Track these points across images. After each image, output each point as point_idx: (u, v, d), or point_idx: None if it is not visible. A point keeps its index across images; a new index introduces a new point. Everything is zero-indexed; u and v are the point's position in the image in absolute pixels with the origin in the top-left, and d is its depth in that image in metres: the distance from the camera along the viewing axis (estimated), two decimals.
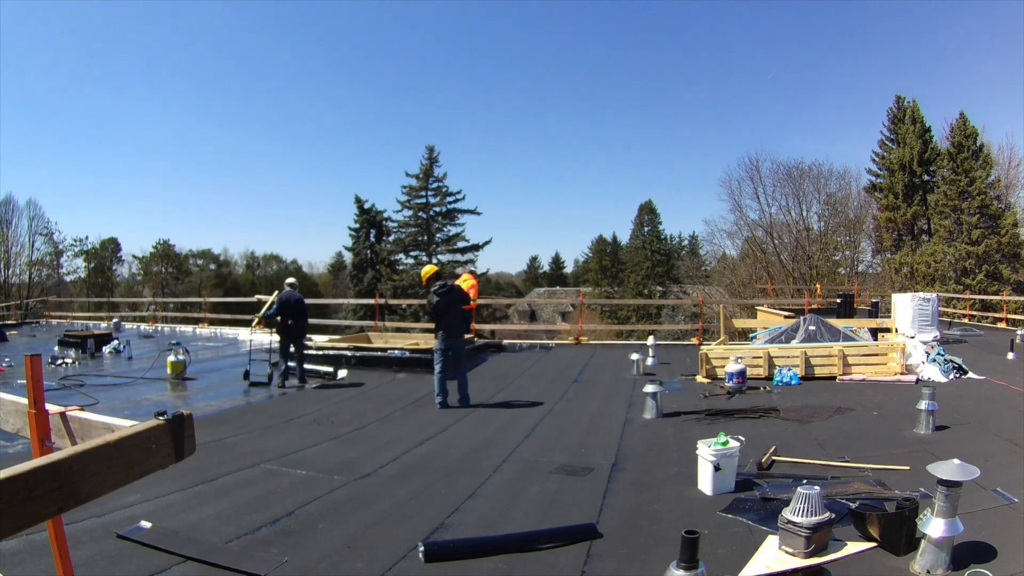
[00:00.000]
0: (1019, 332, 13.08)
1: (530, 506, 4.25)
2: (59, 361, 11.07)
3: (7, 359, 11.04)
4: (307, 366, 9.56)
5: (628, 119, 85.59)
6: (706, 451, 4.32)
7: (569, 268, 68.67)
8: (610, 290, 52.39)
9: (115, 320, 19.94)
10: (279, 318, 9.10)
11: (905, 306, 12.34)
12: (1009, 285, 27.69)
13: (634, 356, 9.99)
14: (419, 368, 9.79)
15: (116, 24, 71.59)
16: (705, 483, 4.35)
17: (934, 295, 12.98)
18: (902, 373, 8.62)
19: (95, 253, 47.89)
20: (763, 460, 4.94)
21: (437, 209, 45.34)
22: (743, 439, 4.65)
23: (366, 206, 44.22)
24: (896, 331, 11.84)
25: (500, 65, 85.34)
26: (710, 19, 75.90)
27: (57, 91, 70.51)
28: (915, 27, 63.71)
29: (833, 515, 3.32)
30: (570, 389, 8.79)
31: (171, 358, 9.70)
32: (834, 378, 8.67)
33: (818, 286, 28.16)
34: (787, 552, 3.24)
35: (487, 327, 20.31)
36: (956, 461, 3.15)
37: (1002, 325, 17.62)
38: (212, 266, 55.86)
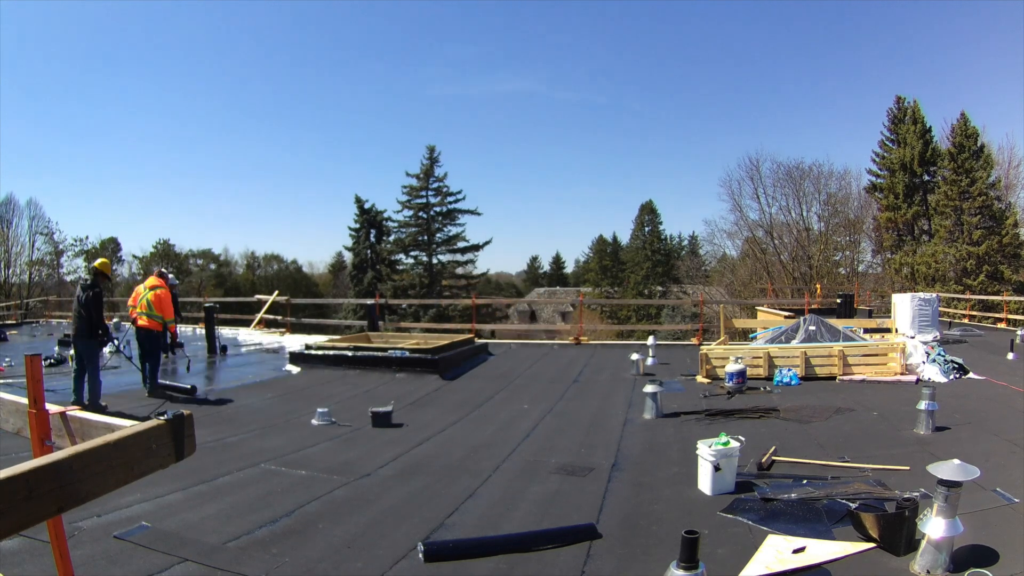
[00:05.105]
0: (1019, 332, 13.08)
1: (530, 506, 4.25)
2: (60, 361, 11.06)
3: (7, 359, 11.04)
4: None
5: (628, 119, 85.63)
6: (706, 451, 4.32)
7: (569, 268, 68.72)
8: (610, 290, 52.37)
9: (115, 320, 19.88)
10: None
11: (905, 306, 12.35)
12: (1010, 285, 27.67)
13: (634, 356, 9.99)
14: (419, 368, 9.79)
15: (116, 24, 71.65)
16: (705, 483, 4.35)
17: (934, 295, 13.00)
18: (902, 373, 8.62)
19: (95, 253, 47.88)
20: (763, 460, 4.94)
21: (437, 209, 45.35)
22: (743, 439, 4.65)
23: (366, 206, 44.28)
24: (896, 331, 11.85)
25: (500, 65, 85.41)
26: (710, 19, 75.92)
27: (57, 91, 70.55)
28: (915, 27, 63.74)
29: None
30: (570, 389, 8.79)
31: None
32: (834, 378, 8.67)
33: (818, 286, 28.16)
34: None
35: (487, 327, 20.32)
36: (956, 461, 3.15)
37: (1002, 325, 17.61)
38: (212, 266, 55.80)
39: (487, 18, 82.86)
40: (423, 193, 45.10)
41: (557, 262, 69.56)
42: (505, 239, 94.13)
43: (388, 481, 4.84)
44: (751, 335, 13.10)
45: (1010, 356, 10.34)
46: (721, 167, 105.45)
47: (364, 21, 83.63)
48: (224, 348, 13.04)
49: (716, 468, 4.26)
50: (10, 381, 8.80)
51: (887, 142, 36.26)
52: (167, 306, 8.63)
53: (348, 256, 47.73)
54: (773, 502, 4.02)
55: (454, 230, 45.70)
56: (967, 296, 23.97)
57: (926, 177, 33.87)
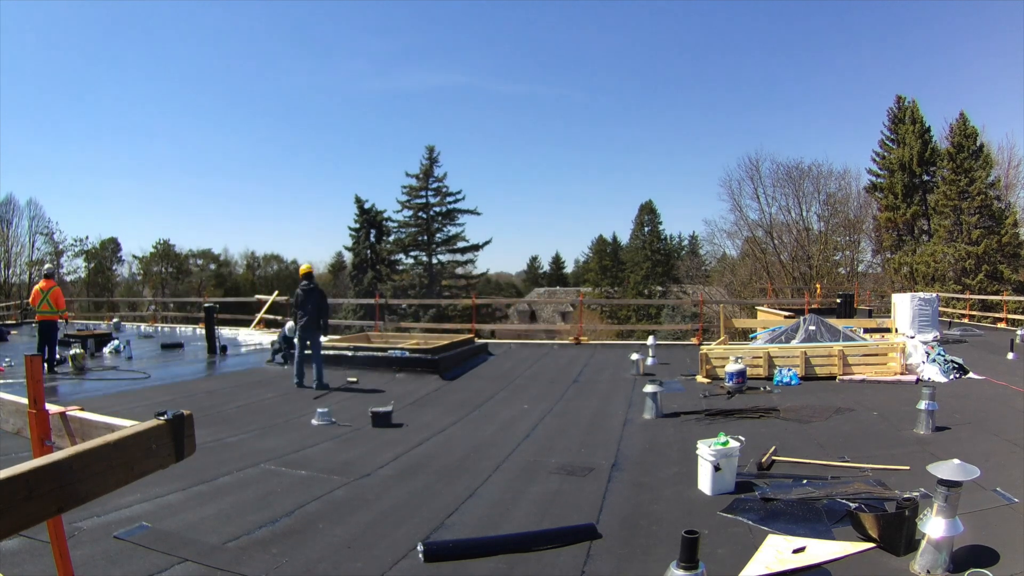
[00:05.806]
0: (1019, 332, 13.07)
1: (530, 506, 4.25)
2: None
3: (7, 359, 11.04)
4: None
5: (629, 119, 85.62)
6: (706, 451, 4.32)
7: (569, 268, 68.69)
8: (610, 290, 52.36)
9: (115, 320, 19.93)
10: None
11: (905, 306, 12.36)
12: (1009, 285, 27.68)
13: (634, 356, 9.99)
14: (419, 368, 9.79)
15: (115, 24, 71.64)
16: (705, 483, 4.35)
17: (934, 295, 13.01)
18: (902, 373, 8.62)
19: (95, 253, 47.87)
20: (763, 460, 4.94)
21: (437, 209, 45.37)
22: (743, 439, 4.65)
23: (366, 206, 44.30)
24: (896, 331, 11.86)
25: (500, 65, 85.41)
26: (710, 19, 75.95)
27: (58, 91, 70.58)
28: (915, 27, 63.76)
29: None
30: (570, 389, 8.79)
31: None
32: (834, 378, 8.67)
33: (818, 286, 28.15)
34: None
35: (487, 327, 20.31)
36: (956, 461, 3.15)
37: (1002, 325, 17.61)
38: (212, 266, 55.79)
39: (485, 17, 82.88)
40: (423, 193, 45.12)
41: (557, 262, 69.56)
42: (505, 239, 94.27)
43: (388, 481, 4.84)
44: (751, 335, 13.10)
45: (1010, 356, 10.34)
46: (721, 167, 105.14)
47: (363, 21, 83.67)
48: (224, 348, 13.07)
49: (716, 468, 4.26)
50: (10, 381, 8.80)
51: (887, 142, 36.27)
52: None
53: (348, 256, 47.77)
54: (773, 502, 4.02)
55: (454, 230, 45.77)
56: (967, 296, 23.97)
57: (925, 177, 33.88)
